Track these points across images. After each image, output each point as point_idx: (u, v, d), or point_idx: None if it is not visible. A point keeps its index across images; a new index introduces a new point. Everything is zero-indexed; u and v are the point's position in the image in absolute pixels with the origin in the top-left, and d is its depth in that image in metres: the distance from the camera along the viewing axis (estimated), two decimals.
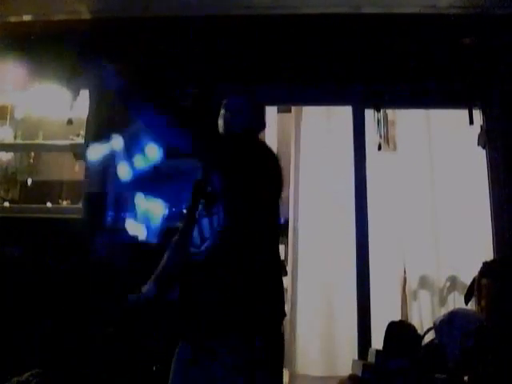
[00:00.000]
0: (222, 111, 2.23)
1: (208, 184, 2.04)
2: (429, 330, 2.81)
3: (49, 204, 4.25)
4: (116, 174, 3.43)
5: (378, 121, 3.71)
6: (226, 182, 1.95)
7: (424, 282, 3.83)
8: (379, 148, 3.80)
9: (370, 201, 3.50)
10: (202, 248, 1.94)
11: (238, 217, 1.92)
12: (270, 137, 5.23)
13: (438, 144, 3.95)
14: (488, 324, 2.51)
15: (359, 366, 2.64)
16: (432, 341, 2.72)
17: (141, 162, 3.28)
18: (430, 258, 3.83)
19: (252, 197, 1.92)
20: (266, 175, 1.99)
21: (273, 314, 1.92)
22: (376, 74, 3.46)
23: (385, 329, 2.79)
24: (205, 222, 1.99)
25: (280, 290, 2.00)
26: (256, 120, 2.23)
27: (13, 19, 3.71)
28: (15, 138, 4.54)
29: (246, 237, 1.91)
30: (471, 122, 3.47)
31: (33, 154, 5.20)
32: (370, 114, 3.65)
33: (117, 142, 3.33)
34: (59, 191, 5.21)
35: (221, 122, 2.22)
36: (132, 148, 3.30)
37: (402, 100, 3.62)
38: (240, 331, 1.81)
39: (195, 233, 2.00)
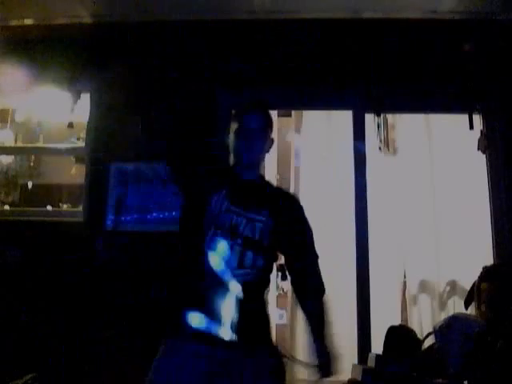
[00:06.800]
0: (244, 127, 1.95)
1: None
2: (429, 335, 2.81)
3: (49, 207, 4.26)
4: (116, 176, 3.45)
5: (378, 125, 3.72)
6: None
7: (424, 287, 3.83)
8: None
9: (370, 205, 3.50)
10: (252, 266, 1.86)
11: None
12: None
13: (438, 148, 3.96)
14: (488, 329, 2.51)
15: (359, 371, 2.64)
16: (432, 345, 2.71)
17: None
18: (429, 263, 3.83)
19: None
20: None
21: None
22: (376, 78, 3.47)
23: (385, 333, 2.79)
24: (240, 221, 1.87)
25: None
26: None
27: (14, 23, 3.72)
28: (16, 141, 4.55)
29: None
30: (471, 127, 3.47)
31: (33, 157, 5.21)
32: (370, 118, 3.66)
33: None
34: (59, 194, 5.22)
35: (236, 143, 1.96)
36: None
37: (402, 104, 3.62)
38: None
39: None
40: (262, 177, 2.11)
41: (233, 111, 2.04)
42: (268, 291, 2.07)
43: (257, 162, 2.01)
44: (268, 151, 2.04)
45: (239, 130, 1.94)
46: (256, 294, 1.92)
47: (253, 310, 1.88)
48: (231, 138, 1.97)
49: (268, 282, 2.01)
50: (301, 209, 2.09)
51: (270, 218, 1.90)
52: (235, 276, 1.84)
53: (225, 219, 1.85)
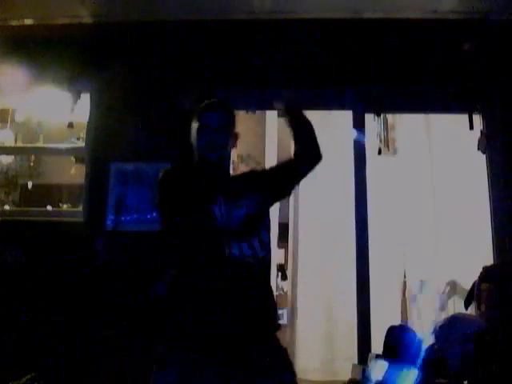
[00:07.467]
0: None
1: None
2: (429, 335, 2.80)
3: (49, 207, 4.26)
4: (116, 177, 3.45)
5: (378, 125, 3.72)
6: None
7: (424, 287, 3.83)
8: (379, 152, 3.81)
9: (370, 205, 3.50)
10: (260, 255, 1.85)
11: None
12: (271, 141, 5.27)
13: (438, 148, 3.96)
14: (488, 329, 2.50)
15: (359, 371, 2.64)
16: (432, 346, 2.71)
17: None
18: (430, 263, 3.84)
19: None
20: None
21: None
22: (376, 78, 3.47)
23: (385, 333, 2.79)
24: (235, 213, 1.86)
25: None
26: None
27: (14, 23, 3.72)
28: (16, 141, 4.55)
29: None
30: (471, 127, 3.47)
31: (33, 157, 5.21)
32: (370, 118, 3.66)
33: None
34: (59, 194, 5.22)
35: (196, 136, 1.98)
36: None
37: (402, 104, 3.63)
38: None
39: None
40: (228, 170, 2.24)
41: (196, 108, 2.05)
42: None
43: (222, 158, 2.04)
44: (233, 146, 2.08)
45: (200, 127, 1.98)
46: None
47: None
48: (193, 136, 2.00)
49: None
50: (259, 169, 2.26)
51: (258, 197, 1.96)
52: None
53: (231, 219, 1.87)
